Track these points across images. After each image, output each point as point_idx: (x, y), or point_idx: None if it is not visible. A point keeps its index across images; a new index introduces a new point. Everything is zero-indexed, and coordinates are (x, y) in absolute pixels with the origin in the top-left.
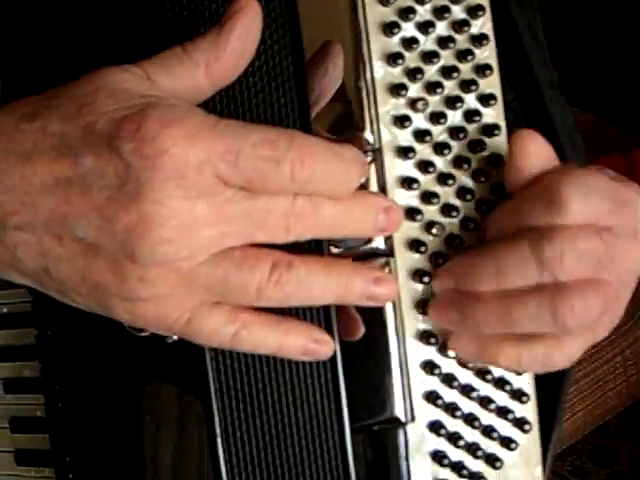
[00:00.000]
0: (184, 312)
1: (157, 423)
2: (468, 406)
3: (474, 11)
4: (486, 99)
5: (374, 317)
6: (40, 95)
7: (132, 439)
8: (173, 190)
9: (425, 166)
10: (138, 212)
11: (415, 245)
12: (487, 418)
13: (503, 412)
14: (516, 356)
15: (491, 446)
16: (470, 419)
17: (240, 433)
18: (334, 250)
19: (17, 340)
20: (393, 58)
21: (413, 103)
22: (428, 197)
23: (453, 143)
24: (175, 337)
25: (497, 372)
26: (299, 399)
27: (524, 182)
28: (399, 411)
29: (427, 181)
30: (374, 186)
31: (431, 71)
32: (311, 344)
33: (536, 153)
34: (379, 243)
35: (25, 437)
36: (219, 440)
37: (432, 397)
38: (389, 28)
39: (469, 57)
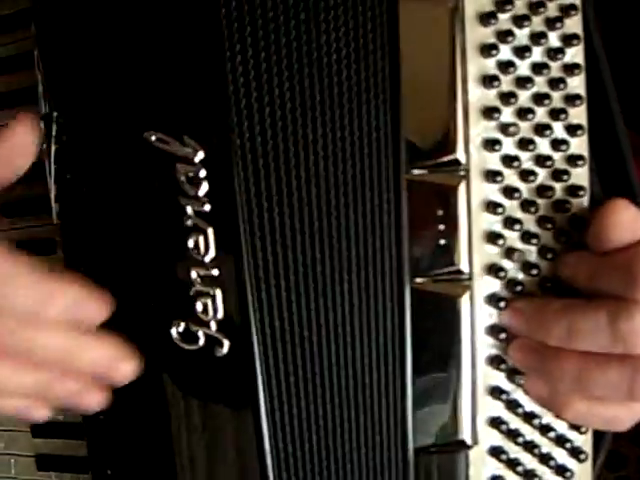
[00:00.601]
0: None
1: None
2: (530, 433)
3: (569, 39)
4: (574, 129)
5: (450, 339)
6: None
7: (169, 451)
8: None
9: (511, 192)
10: None
11: (494, 270)
12: (546, 446)
13: (562, 441)
14: (584, 414)
15: (547, 473)
16: (530, 446)
17: (293, 449)
18: (418, 280)
19: None
20: (489, 80)
21: (504, 128)
22: (511, 223)
23: (539, 170)
24: (224, 351)
25: None
26: (363, 417)
27: (609, 249)
28: (466, 435)
29: (511, 207)
30: (463, 207)
31: (524, 96)
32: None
33: (627, 225)
34: (464, 266)
35: (46, 442)
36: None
37: (496, 422)
38: (488, 50)
39: (561, 85)
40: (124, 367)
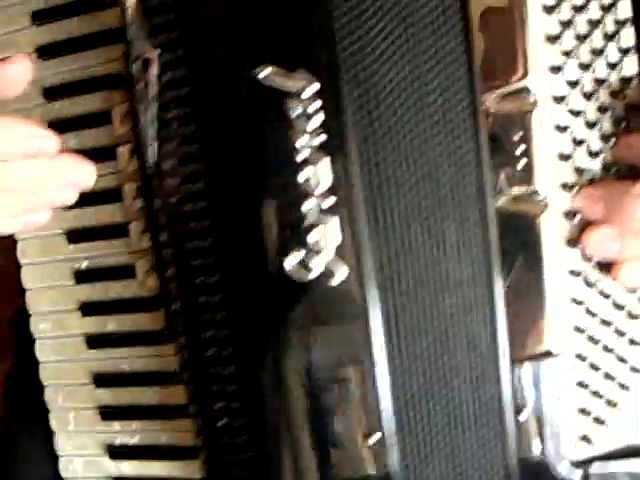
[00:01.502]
0: None
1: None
2: (607, 337)
3: None
4: (625, 51)
5: (532, 255)
6: None
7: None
8: None
9: (576, 113)
10: None
11: (567, 187)
12: (621, 349)
13: (635, 343)
14: None
15: (623, 373)
16: (608, 350)
17: (409, 367)
18: (499, 202)
19: (97, 295)
20: (550, 9)
21: (566, 53)
22: (578, 142)
23: (598, 91)
24: (339, 279)
25: (630, 305)
26: (457, 330)
27: None
28: (553, 344)
29: (577, 127)
30: (538, 130)
31: (581, 22)
32: None
33: None
34: (540, 185)
35: (107, 392)
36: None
37: (579, 330)
38: None
39: (612, 9)
40: (86, 169)
